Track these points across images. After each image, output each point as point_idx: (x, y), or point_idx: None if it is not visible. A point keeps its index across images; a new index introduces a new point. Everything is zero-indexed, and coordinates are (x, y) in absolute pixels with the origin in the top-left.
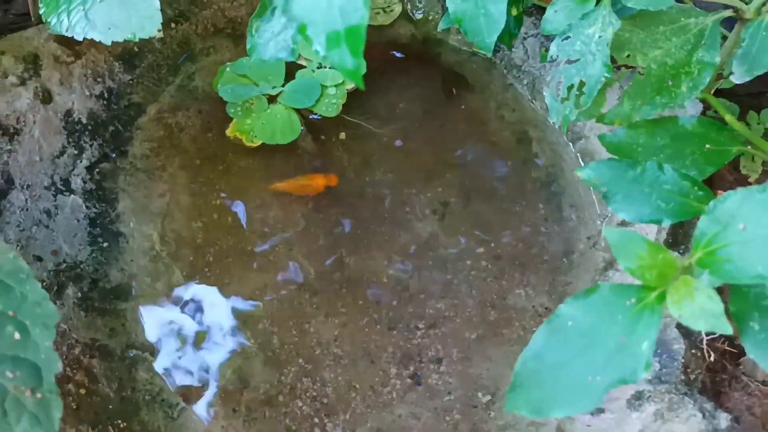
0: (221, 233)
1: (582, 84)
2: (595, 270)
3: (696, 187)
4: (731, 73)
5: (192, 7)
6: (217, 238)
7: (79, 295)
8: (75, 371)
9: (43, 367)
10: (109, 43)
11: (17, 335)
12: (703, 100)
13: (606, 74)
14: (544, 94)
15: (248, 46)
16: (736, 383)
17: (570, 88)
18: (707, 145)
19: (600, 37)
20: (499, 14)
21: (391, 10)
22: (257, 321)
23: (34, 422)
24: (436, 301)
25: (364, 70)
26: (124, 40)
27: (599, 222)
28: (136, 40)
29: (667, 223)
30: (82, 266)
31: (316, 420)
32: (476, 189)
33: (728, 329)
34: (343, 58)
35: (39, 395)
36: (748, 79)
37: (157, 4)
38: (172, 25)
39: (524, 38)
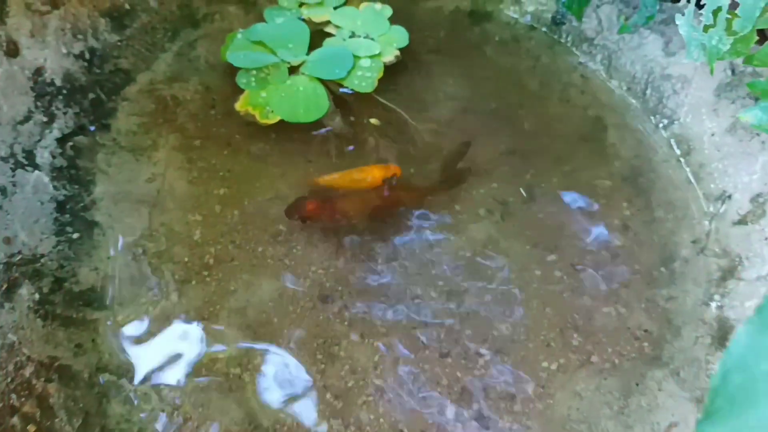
0: (225, 230)
1: (734, 5)
2: (709, 281)
3: None
4: None
5: None
6: (219, 236)
7: (37, 297)
8: (24, 399)
9: None
10: None
11: None
12: None
13: None
14: (677, 23)
15: None
16: None
17: (716, 11)
18: None
19: None
20: None
21: None
22: (271, 338)
23: None
24: (500, 322)
25: None
26: None
27: (707, 222)
28: None
29: None
30: (43, 260)
31: None
32: (540, 186)
33: None
34: None
35: None
36: None
37: None
38: None
39: (598, 6)
